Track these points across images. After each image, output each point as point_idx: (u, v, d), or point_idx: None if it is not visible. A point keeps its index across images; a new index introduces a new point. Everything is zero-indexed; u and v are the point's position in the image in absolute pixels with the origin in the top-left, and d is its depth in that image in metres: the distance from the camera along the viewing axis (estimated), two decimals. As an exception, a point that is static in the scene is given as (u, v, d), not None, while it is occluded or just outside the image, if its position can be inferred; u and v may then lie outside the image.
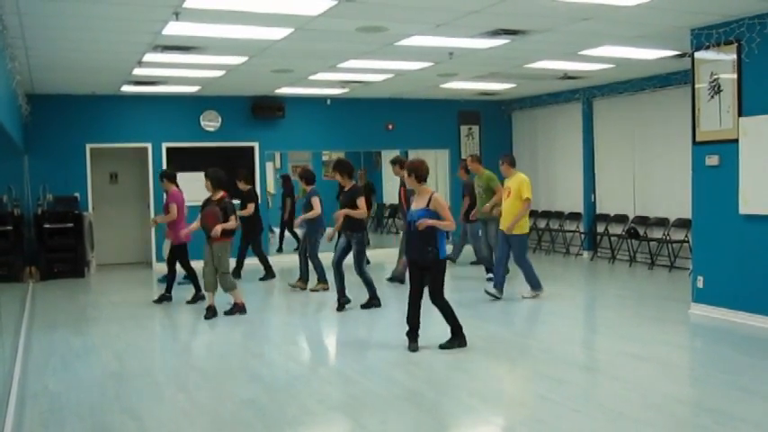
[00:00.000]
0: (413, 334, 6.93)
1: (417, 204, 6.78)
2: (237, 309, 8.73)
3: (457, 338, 6.92)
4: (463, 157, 14.92)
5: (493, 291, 9.43)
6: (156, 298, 9.78)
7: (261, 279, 11.47)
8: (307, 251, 10.13)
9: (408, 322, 6.93)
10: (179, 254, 9.73)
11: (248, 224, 11.14)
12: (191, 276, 9.75)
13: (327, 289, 10.00)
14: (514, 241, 9.27)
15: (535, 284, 9.46)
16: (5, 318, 6.02)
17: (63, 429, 4.97)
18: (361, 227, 8.76)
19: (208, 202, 8.66)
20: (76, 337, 7.81)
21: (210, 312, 8.59)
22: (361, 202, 8.69)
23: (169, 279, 9.79)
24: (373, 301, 8.97)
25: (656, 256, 11.88)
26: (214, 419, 5.13)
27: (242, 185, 11.37)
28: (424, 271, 6.78)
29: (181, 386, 6.00)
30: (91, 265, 12.55)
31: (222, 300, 8.86)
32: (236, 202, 10.41)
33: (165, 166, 12.99)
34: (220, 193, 8.60)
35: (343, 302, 8.94)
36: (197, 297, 9.59)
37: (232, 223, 8.53)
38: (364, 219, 8.84)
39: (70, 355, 7.05)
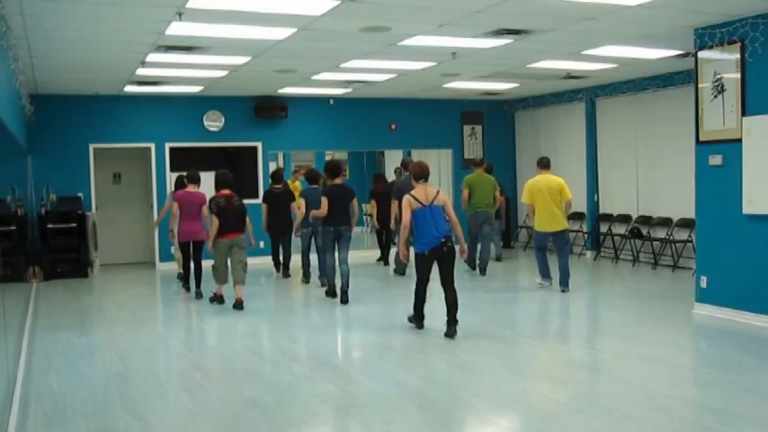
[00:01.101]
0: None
1: None
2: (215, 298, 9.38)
3: (417, 320, 7.69)
4: (466, 157, 14.99)
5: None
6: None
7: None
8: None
9: None
10: (183, 252, 10.25)
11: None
12: (186, 273, 10.35)
13: (307, 282, 10.97)
14: None
15: (544, 274, 10.11)
16: (9, 318, 6.03)
17: (67, 429, 4.98)
18: (323, 222, 9.38)
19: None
20: (80, 338, 7.82)
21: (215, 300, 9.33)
22: (322, 201, 9.26)
23: (196, 275, 10.07)
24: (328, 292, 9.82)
25: (659, 256, 11.86)
26: (218, 419, 5.13)
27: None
28: (439, 260, 7.36)
29: (184, 386, 6.00)
30: (94, 265, 12.56)
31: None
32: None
33: (168, 167, 13.06)
34: (225, 192, 9.12)
35: (330, 292, 9.70)
36: (187, 287, 10.36)
37: (212, 228, 9.13)
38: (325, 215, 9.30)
39: (74, 355, 7.06)
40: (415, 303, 7.65)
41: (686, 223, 11.27)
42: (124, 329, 8.22)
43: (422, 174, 7.43)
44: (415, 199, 7.23)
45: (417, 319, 7.70)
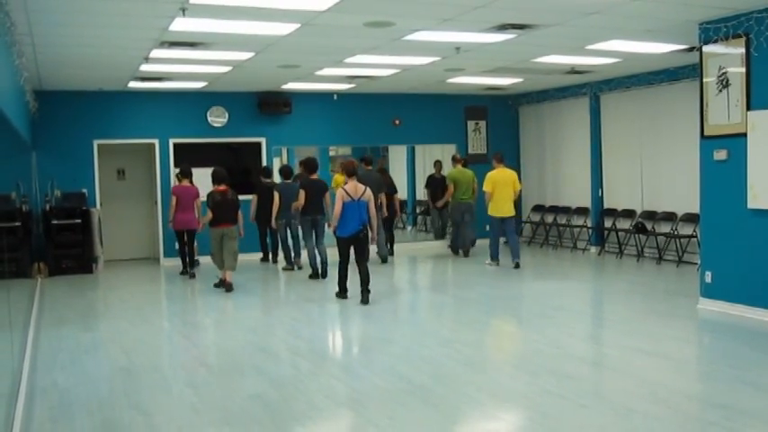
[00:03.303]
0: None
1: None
2: (223, 285, 10.08)
3: (342, 293, 9.12)
4: (471, 152, 14.97)
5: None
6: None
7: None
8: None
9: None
10: (178, 238, 11.62)
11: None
12: (182, 257, 11.61)
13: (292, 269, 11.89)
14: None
15: (494, 256, 11.83)
16: (14, 313, 6.05)
17: (72, 424, 5.00)
18: (302, 213, 10.81)
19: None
20: (85, 333, 7.84)
21: (220, 285, 10.18)
22: (300, 194, 10.70)
23: (190, 258, 11.63)
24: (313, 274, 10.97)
25: (663, 251, 11.84)
26: (222, 414, 5.15)
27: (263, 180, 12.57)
28: (355, 244, 8.87)
29: (189, 381, 6.02)
30: (99, 261, 12.58)
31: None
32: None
33: (172, 162, 13.09)
34: (221, 188, 10.09)
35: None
36: (184, 272, 11.59)
37: (205, 217, 10.19)
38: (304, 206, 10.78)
39: (79, 350, 7.09)
40: (340, 279, 9.11)
41: (691, 218, 11.25)
42: (129, 325, 8.24)
43: (353, 171, 8.98)
44: (347, 193, 8.70)
45: (342, 291, 9.15)
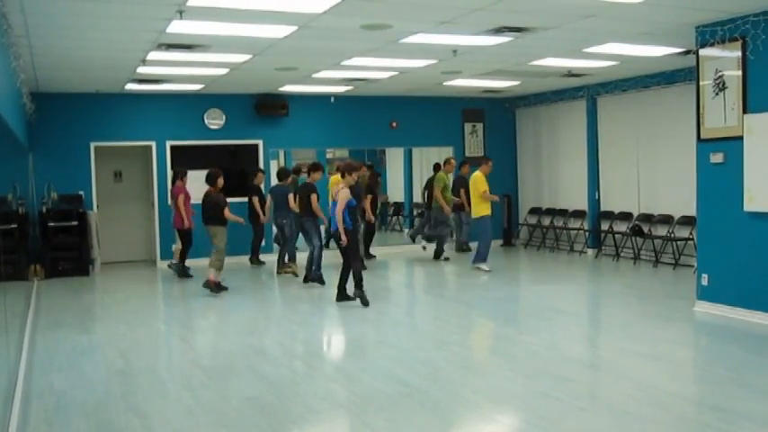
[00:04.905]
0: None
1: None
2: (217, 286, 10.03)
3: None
4: (467, 155, 14.94)
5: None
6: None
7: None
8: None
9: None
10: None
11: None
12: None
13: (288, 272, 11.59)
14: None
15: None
16: (10, 316, 6.04)
17: (68, 427, 4.99)
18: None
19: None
20: (81, 335, 7.83)
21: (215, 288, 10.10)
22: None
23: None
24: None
25: (660, 254, 11.85)
26: (219, 417, 5.14)
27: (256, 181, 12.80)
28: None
29: (185, 384, 6.01)
30: (96, 263, 12.56)
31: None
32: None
33: (169, 165, 13.08)
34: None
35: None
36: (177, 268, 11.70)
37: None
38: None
39: (75, 353, 7.07)
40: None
41: (687, 221, 11.26)
42: (125, 327, 8.23)
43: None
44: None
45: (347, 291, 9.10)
